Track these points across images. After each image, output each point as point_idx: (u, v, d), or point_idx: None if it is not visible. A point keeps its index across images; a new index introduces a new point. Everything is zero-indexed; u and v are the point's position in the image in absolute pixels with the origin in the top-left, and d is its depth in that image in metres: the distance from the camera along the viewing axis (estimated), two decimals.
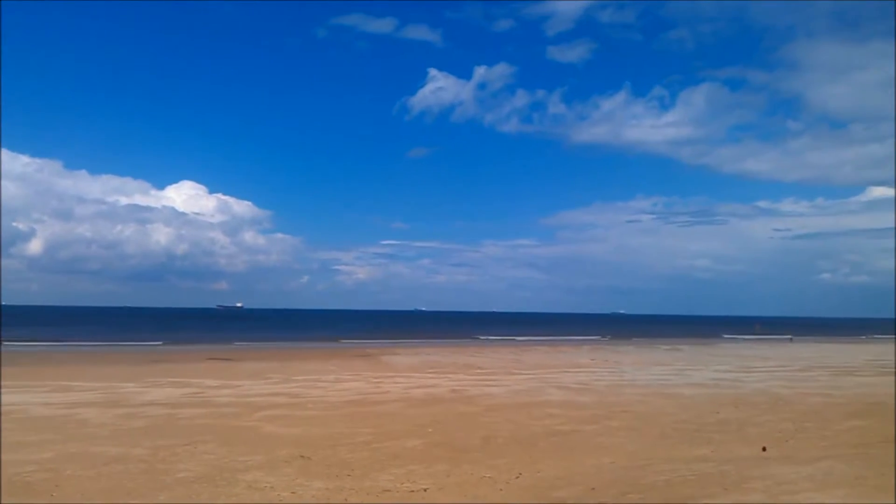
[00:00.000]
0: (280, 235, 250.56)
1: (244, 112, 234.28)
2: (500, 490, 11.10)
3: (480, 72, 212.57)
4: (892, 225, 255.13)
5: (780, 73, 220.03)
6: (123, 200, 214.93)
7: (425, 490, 11.11)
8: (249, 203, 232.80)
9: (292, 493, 10.95)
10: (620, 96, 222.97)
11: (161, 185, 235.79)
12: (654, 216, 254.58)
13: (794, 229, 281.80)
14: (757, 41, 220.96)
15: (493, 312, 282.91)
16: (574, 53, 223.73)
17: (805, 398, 23.28)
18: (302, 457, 13.55)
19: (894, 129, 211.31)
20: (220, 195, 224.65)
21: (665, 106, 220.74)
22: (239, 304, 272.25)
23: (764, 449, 14.31)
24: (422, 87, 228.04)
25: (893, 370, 35.34)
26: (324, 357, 44.61)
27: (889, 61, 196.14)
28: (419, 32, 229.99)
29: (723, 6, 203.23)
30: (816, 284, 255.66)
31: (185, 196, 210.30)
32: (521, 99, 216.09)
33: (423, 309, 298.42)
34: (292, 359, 42.00)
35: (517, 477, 11.93)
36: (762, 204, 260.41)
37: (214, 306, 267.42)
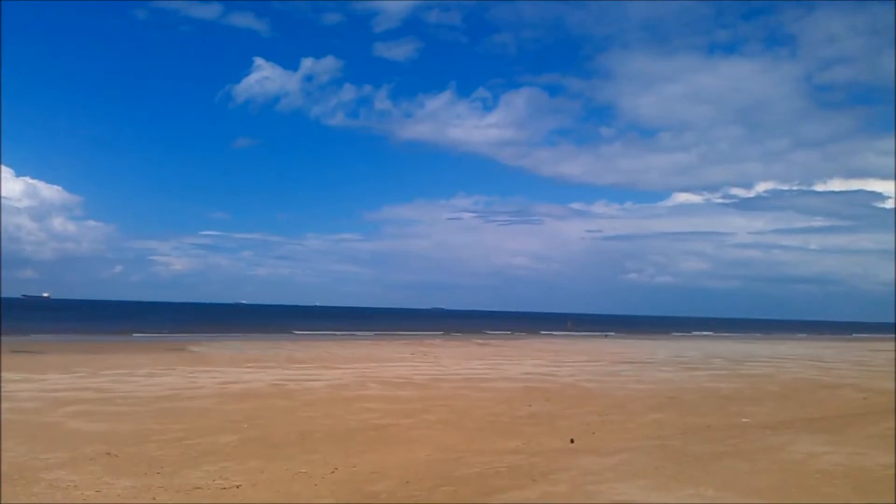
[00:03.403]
0: (92, 223, 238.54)
1: (56, 92, 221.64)
2: (315, 485, 11.08)
3: (307, 64, 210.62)
4: (695, 229, 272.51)
5: (596, 82, 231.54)
6: None
7: (238, 487, 10.95)
8: (59, 188, 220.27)
9: (97, 491, 10.54)
10: (445, 96, 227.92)
11: None
12: (475, 214, 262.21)
13: (605, 230, 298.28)
14: (575, 50, 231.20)
15: (316, 306, 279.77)
16: (401, 51, 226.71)
17: (611, 392, 24.45)
18: (108, 454, 13.04)
19: (698, 138, 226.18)
20: (27, 178, 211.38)
21: (488, 107, 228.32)
22: (46, 294, 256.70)
23: (572, 441, 14.93)
24: (247, 75, 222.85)
25: (691, 365, 37.65)
26: (136, 350, 42.93)
27: (693, 75, 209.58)
28: (245, 20, 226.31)
29: (543, 14, 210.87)
30: (624, 284, 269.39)
31: None
32: (347, 93, 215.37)
33: (244, 302, 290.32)
34: (102, 352, 40.21)
35: (332, 472, 11.95)
36: (576, 206, 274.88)
37: (19, 296, 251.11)
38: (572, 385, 26.55)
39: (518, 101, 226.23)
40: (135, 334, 64.34)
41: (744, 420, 18.40)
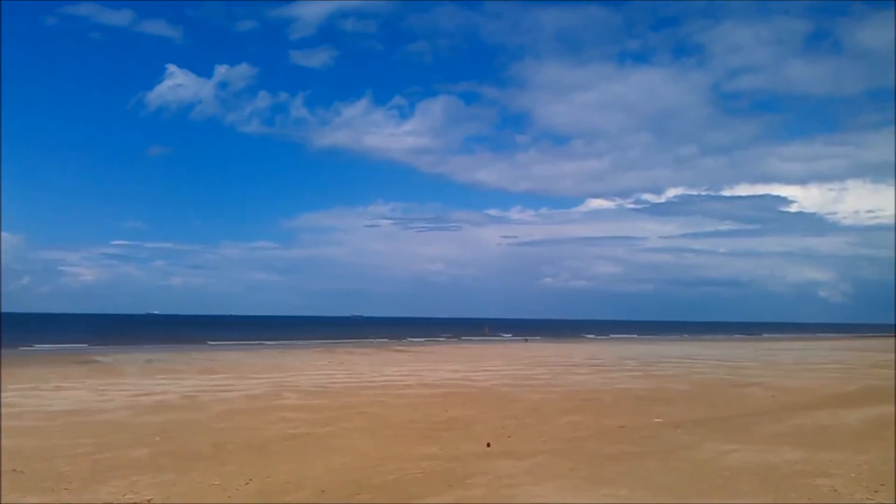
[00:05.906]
0: None
1: None
2: (229, 497, 10.92)
3: (222, 71, 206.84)
4: (608, 234, 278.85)
5: (511, 90, 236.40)
6: None
7: (149, 501, 10.72)
8: None
9: None
10: (362, 104, 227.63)
11: None
12: (393, 221, 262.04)
13: (521, 236, 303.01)
14: (490, 58, 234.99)
15: (231, 316, 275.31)
16: (317, 59, 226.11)
17: (527, 395, 24.70)
18: (14, 471, 12.61)
19: (610, 146, 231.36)
20: None
21: (404, 115, 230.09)
22: None
23: (488, 445, 15.03)
24: (159, 82, 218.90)
25: (606, 367, 38.30)
26: (43, 363, 41.65)
27: (605, 83, 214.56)
28: (157, 27, 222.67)
29: (458, 23, 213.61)
30: (540, 288, 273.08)
31: None
32: (263, 100, 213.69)
33: (157, 312, 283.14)
34: (8, 365, 38.68)
35: (247, 483, 11.78)
36: (492, 212, 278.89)
37: None
38: (489, 390, 26.74)
39: (434, 109, 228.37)
40: (41, 345, 62.48)
41: (656, 420, 18.79)
